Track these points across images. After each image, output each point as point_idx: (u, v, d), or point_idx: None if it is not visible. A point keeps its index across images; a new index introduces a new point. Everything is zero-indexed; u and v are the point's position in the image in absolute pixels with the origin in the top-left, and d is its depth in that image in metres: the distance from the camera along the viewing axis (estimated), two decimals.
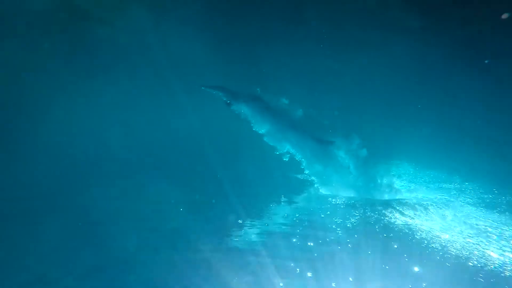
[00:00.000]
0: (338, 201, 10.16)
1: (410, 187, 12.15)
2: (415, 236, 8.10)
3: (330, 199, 10.43)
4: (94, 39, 14.38)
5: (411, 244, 7.64)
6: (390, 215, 9.36)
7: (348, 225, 8.55)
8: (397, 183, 12.08)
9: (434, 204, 10.24)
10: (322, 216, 9.08)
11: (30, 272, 6.86)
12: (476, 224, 9.06)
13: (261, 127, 11.09)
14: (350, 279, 6.50)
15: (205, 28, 14.77)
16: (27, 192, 10.44)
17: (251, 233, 8.18)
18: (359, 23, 16.33)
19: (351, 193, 11.22)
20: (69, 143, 12.84)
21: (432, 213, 9.75)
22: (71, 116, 13.64)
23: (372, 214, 9.33)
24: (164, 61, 14.68)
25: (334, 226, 8.41)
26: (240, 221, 8.62)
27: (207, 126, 13.23)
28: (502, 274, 6.69)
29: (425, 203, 10.23)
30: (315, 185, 11.31)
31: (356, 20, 16.26)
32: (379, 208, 9.67)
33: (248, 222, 8.70)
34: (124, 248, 7.53)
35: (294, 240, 7.75)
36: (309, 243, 7.51)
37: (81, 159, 12.19)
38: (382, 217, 9.14)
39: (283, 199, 10.48)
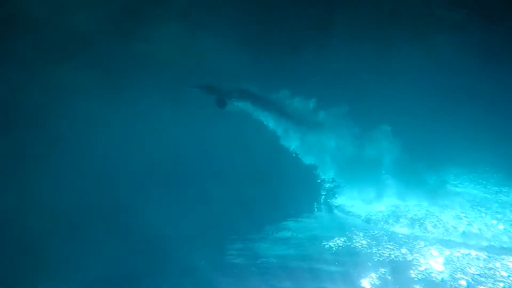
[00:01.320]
0: None
1: None
2: None
3: None
4: (133, 54, 15.02)
5: None
6: None
7: None
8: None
9: None
10: None
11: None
12: None
13: (263, 117, 11.14)
14: None
15: (239, 39, 14.92)
16: (80, 203, 11.15)
17: None
18: (398, 20, 15.65)
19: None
20: (116, 156, 13.46)
21: None
22: (115, 130, 14.27)
23: None
24: (200, 73, 15.04)
25: None
26: None
27: (243, 137, 13.35)
28: None
29: None
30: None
31: (395, 17, 15.60)
32: None
33: None
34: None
35: None
36: None
37: (125, 170, 12.84)
38: None
39: None
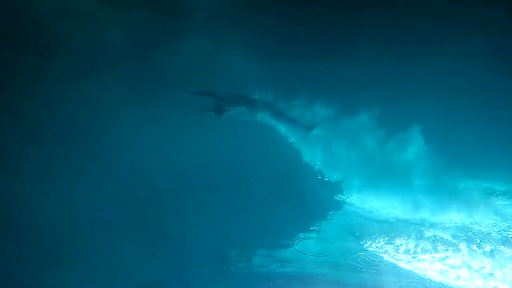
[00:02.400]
0: None
1: None
2: None
3: None
4: (158, 66, 15.47)
5: None
6: None
7: None
8: None
9: None
10: None
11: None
12: None
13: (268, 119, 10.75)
14: None
15: (261, 49, 14.96)
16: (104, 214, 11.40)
17: None
18: (427, 22, 15.04)
19: None
20: (140, 167, 13.73)
21: None
22: (142, 143, 14.63)
23: None
24: (223, 83, 15.17)
25: None
26: None
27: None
28: None
29: None
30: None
31: (424, 19, 15.00)
32: None
33: None
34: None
35: None
36: None
37: (152, 181, 13.06)
38: None
39: None
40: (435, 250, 8.04)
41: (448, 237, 8.64)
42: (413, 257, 7.77)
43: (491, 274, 6.92)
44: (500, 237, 8.48)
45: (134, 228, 10.15)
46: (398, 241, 8.57)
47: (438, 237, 8.62)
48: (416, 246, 8.27)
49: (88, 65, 14.35)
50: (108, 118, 14.69)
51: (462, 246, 8.05)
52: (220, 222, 10.36)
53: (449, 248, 7.99)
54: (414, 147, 10.52)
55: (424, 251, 8.07)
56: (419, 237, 8.65)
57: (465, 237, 8.54)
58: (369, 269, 7.42)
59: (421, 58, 15.54)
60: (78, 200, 11.80)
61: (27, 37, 12.20)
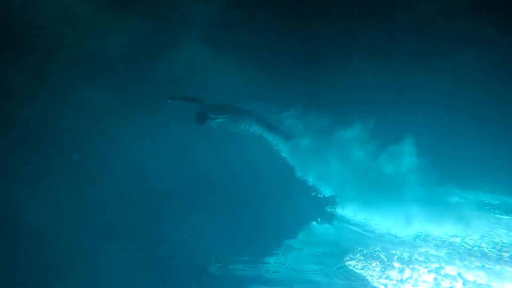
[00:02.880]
0: None
1: None
2: None
3: None
4: (153, 75, 15.56)
5: None
6: None
7: None
8: None
9: None
10: None
11: None
12: None
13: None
14: None
15: (257, 60, 15.14)
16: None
17: None
18: (421, 37, 15.37)
19: None
20: (135, 173, 13.74)
21: None
22: (136, 150, 14.64)
23: None
24: (220, 93, 15.27)
25: None
26: None
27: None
28: None
29: None
30: None
31: (418, 34, 15.33)
32: None
33: None
34: None
35: None
36: None
37: (147, 187, 13.06)
38: None
39: None
40: (427, 267, 8.00)
41: (442, 253, 8.59)
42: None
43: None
44: (494, 253, 8.48)
45: (126, 233, 10.11)
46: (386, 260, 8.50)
47: (430, 253, 8.58)
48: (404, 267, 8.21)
49: (86, 71, 14.46)
50: (104, 125, 14.72)
51: (457, 261, 8.01)
52: (205, 230, 10.41)
53: (442, 263, 7.98)
54: (407, 160, 10.61)
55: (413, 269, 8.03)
56: (410, 255, 8.60)
57: (459, 252, 8.51)
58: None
59: (415, 73, 15.79)
60: (72, 205, 11.77)
61: (26, 39, 12.30)
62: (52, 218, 10.74)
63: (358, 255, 8.41)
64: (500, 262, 7.93)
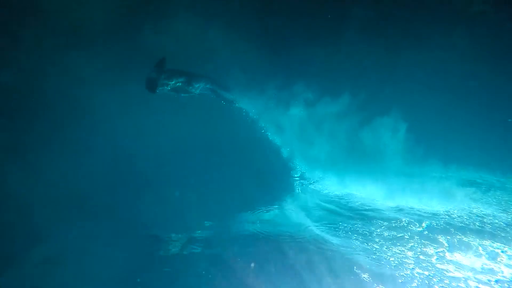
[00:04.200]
0: None
1: None
2: None
3: None
4: (145, 47, 15.02)
5: None
6: None
7: None
8: None
9: None
10: None
11: None
12: None
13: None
14: None
15: (247, 31, 14.70)
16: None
17: None
18: (415, 15, 15.09)
19: None
20: (118, 144, 13.53)
21: None
22: (124, 120, 14.34)
23: None
24: (211, 65, 14.90)
25: None
26: None
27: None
28: None
29: None
30: None
31: (412, 12, 15.03)
32: None
33: None
34: None
35: None
36: None
37: (129, 159, 12.89)
38: None
39: None
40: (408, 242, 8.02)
41: (423, 226, 8.60)
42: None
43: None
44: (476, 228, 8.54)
45: (106, 209, 10.11)
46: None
47: (411, 229, 8.58)
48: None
49: (70, 39, 13.86)
50: (88, 94, 14.31)
51: (440, 238, 8.04)
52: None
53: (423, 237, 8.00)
54: (394, 133, 10.58)
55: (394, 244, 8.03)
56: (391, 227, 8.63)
57: (441, 227, 8.53)
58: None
59: (408, 50, 15.57)
60: (52, 177, 11.58)
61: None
62: (31, 190, 10.63)
63: (338, 228, 8.42)
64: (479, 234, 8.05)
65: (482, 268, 6.76)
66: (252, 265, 7.30)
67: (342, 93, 11.18)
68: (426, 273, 6.71)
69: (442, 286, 6.33)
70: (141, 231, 9.14)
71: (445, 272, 6.69)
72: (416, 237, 7.90)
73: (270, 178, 11.17)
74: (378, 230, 8.25)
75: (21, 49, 12.67)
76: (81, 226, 9.45)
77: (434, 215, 8.76)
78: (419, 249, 7.44)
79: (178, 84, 10.80)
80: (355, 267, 7.00)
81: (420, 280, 6.53)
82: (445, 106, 13.61)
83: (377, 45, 15.38)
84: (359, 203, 9.31)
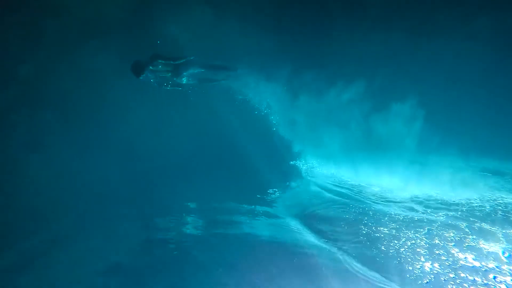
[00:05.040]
0: None
1: None
2: None
3: None
4: (158, 38, 15.08)
5: None
6: None
7: None
8: None
9: None
10: None
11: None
12: None
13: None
14: None
15: (263, 19, 14.52)
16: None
17: None
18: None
19: None
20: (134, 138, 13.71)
21: None
22: (137, 113, 14.46)
23: None
24: (224, 57, 14.81)
25: None
26: None
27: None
28: None
29: None
30: None
31: None
32: None
33: None
34: None
35: None
36: None
37: (145, 151, 13.02)
38: None
39: None
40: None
41: (441, 216, 8.31)
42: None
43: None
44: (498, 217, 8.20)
45: (126, 200, 10.30)
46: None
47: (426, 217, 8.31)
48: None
49: (86, 31, 14.06)
50: (104, 87, 14.50)
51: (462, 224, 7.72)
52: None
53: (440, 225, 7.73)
54: (410, 121, 10.25)
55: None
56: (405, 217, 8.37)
57: (461, 217, 8.22)
58: None
59: (427, 38, 15.03)
60: (70, 170, 11.83)
61: None
62: (49, 182, 10.94)
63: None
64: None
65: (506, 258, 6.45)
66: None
67: (357, 80, 10.91)
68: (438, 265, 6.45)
69: (458, 278, 6.07)
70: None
71: (462, 261, 6.42)
72: (433, 225, 7.63)
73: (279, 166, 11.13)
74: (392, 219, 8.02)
75: (41, 42, 12.93)
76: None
77: (454, 204, 8.45)
78: (436, 239, 7.17)
79: (166, 69, 10.46)
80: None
81: (434, 274, 6.26)
82: (465, 94, 13.08)
83: (395, 34, 14.92)
84: (372, 192, 9.11)
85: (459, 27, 14.82)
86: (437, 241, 7.01)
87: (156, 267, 7.07)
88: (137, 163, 12.72)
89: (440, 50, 14.15)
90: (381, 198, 8.93)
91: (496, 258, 6.41)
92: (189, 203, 9.99)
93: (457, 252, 6.66)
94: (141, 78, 10.08)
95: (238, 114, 13.04)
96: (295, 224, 8.19)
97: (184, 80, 11.01)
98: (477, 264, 6.32)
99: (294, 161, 11.29)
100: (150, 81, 10.63)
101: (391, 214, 8.09)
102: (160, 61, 10.10)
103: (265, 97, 12.06)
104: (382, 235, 7.26)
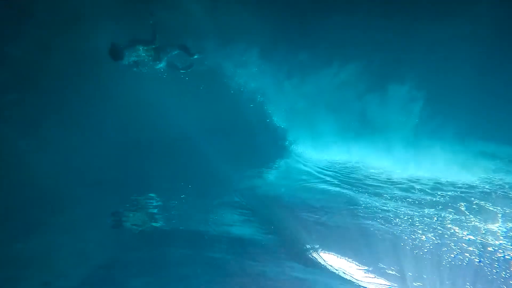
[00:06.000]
0: None
1: None
2: None
3: None
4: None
5: None
6: None
7: None
8: None
9: None
10: None
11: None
12: None
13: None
14: None
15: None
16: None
17: None
18: None
19: None
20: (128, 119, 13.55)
21: None
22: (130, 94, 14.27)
23: None
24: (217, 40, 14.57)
25: None
26: None
27: None
28: None
29: None
30: None
31: None
32: None
33: None
34: None
35: None
36: None
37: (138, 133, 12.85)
38: None
39: None
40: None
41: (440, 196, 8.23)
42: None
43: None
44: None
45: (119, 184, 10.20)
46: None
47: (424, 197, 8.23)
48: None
49: (78, 14, 13.79)
50: (97, 69, 14.25)
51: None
52: None
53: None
54: (408, 103, 10.13)
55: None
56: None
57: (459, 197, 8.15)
58: None
59: (426, 25, 14.77)
60: (65, 151, 11.70)
61: None
62: (43, 164, 10.75)
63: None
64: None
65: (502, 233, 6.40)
66: None
67: (353, 61, 10.72)
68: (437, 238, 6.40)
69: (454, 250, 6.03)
70: None
71: (458, 235, 6.38)
72: (431, 205, 7.59)
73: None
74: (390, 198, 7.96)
75: (31, 22, 12.64)
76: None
77: (452, 184, 8.41)
78: (434, 218, 7.11)
79: (147, 53, 10.11)
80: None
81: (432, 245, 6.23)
82: (463, 77, 12.89)
83: (394, 18, 14.68)
84: (369, 173, 9.04)
85: (459, 9, 14.61)
86: (435, 219, 6.97)
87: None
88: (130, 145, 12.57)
89: (439, 33, 13.92)
90: (379, 180, 8.89)
91: (493, 235, 6.38)
92: None
93: (455, 228, 6.65)
94: (122, 62, 9.59)
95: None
96: None
97: (164, 64, 10.65)
98: (473, 238, 6.32)
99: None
100: (131, 66, 10.18)
101: (389, 194, 8.04)
102: (140, 46, 9.76)
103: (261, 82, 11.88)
104: (379, 212, 7.24)
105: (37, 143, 11.73)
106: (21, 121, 12.31)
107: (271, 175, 10.25)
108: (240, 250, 6.82)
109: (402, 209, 7.25)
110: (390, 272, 5.91)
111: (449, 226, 6.60)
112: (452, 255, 5.92)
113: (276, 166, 10.73)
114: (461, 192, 7.92)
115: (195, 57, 10.91)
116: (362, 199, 7.93)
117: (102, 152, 12.10)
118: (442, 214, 6.96)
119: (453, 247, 6.05)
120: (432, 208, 7.39)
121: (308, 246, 6.61)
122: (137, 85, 14.34)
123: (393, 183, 8.54)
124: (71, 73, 13.76)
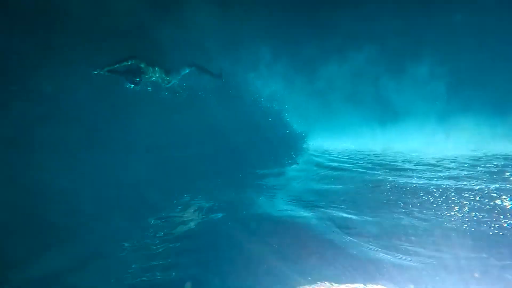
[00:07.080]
0: None
1: None
2: None
3: None
4: (161, 41, 15.23)
5: None
6: None
7: None
8: None
9: None
10: None
11: None
12: None
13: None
14: None
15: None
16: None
17: None
18: None
19: None
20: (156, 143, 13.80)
21: None
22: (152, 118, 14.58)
23: None
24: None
25: None
26: None
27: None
28: None
29: None
30: None
31: None
32: None
33: None
34: None
35: None
36: None
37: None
38: None
39: None
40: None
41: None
42: None
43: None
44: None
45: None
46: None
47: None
48: None
49: (97, 41, 14.35)
50: (115, 96, 14.70)
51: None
52: None
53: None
54: (430, 81, 9.69)
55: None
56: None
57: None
58: None
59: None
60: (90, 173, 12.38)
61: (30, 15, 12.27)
62: (73, 183, 11.62)
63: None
64: None
65: None
66: None
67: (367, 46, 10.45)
68: None
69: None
70: None
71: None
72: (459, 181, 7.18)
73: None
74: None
75: (55, 59, 13.27)
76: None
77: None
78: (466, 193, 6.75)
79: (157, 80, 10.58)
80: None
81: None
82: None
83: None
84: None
85: None
86: (466, 195, 6.69)
87: None
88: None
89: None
90: (408, 160, 8.66)
91: None
92: None
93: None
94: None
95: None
96: None
97: (175, 85, 11.18)
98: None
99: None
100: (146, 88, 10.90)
101: (417, 172, 7.82)
102: (154, 68, 10.34)
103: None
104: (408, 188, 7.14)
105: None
106: (57, 149, 12.89)
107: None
108: None
109: None
110: None
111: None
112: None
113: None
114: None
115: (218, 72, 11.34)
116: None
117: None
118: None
119: None
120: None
121: None
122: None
123: (419, 164, 8.19)
124: (96, 101, 14.34)
